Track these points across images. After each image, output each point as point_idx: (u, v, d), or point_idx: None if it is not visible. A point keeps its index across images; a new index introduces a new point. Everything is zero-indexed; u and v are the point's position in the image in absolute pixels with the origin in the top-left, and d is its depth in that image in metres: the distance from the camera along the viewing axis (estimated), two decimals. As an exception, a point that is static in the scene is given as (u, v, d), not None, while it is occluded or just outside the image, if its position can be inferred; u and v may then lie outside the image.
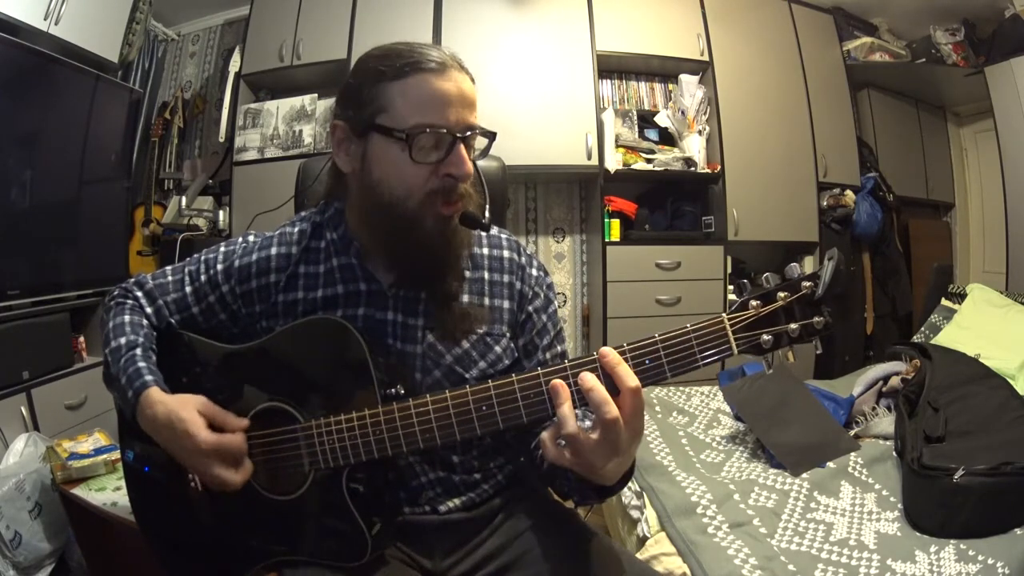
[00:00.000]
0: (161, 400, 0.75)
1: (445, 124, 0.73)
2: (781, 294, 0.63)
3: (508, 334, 0.86)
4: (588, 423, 0.64)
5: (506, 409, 0.67)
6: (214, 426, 0.74)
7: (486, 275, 0.87)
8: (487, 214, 0.80)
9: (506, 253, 0.89)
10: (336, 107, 0.81)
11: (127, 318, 0.84)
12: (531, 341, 0.88)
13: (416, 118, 0.73)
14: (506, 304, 0.87)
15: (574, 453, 0.63)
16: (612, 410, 0.60)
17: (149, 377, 0.77)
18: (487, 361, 0.84)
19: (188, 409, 0.74)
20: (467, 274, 0.85)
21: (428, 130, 0.72)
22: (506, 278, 0.88)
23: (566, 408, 0.62)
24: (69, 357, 2.19)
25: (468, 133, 0.75)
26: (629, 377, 0.61)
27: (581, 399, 0.63)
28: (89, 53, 2.27)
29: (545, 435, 0.65)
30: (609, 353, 0.63)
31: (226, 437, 0.73)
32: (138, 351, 0.80)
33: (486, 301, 0.85)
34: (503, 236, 0.92)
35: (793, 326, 0.63)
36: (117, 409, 0.86)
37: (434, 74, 0.73)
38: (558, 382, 0.63)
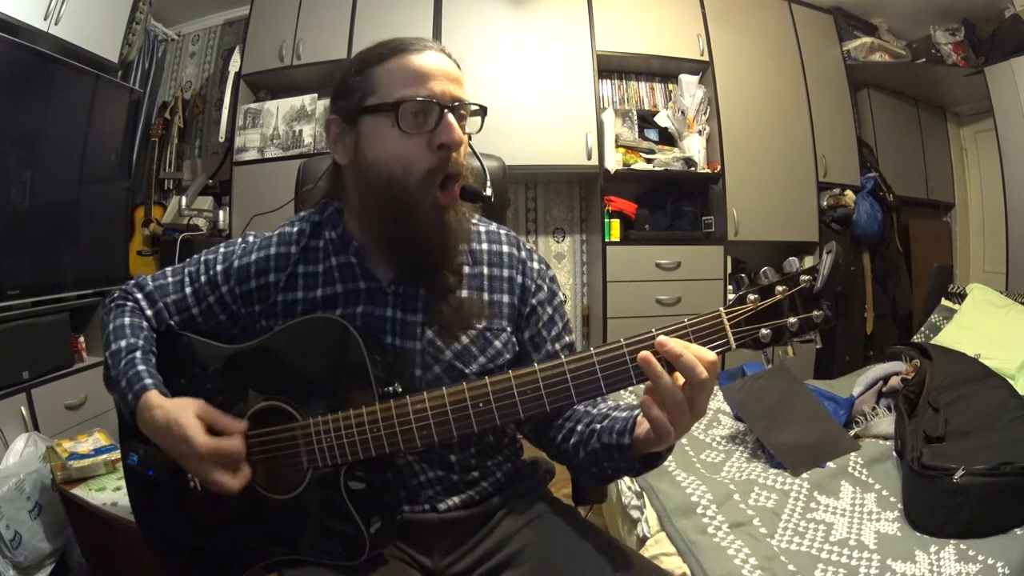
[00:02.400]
0: (160, 404, 0.75)
1: (431, 95, 0.75)
2: (779, 288, 0.63)
3: (509, 328, 0.86)
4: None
5: (503, 405, 0.68)
6: (213, 430, 0.74)
7: (485, 270, 0.87)
8: (488, 189, 0.81)
9: (505, 248, 0.89)
10: (331, 104, 0.83)
11: (127, 320, 0.84)
12: (538, 333, 0.88)
13: (400, 92, 0.75)
14: (506, 298, 0.87)
15: (675, 417, 0.64)
16: (703, 370, 0.61)
17: (148, 380, 0.77)
18: (487, 356, 0.84)
19: (186, 413, 0.74)
20: (466, 269, 0.85)
21: (410, 98, 0.74)
22: (506, 272, 0.88)
23: (667, 377, 0.63)
24: (69, 357, 2.19)
25: (455, 104, 0.76)
26: (705, 352, 0.62)
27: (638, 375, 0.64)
28: (89, 53, 2.27)
29: (647, 398, 0.65)
30: (667, 341, 0.63)
31: (223, 442, 0.73)
32: (138, 354, 0.80)
33: (485, 296, 0.85)
34: (502, 232, 0.92)
35: (792, 320, 0.63)
36: (118, 411, 0.86)
37: (415, 53, 0.76)
38: (646, 353, 0.63)
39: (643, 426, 0.69)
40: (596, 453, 0.77)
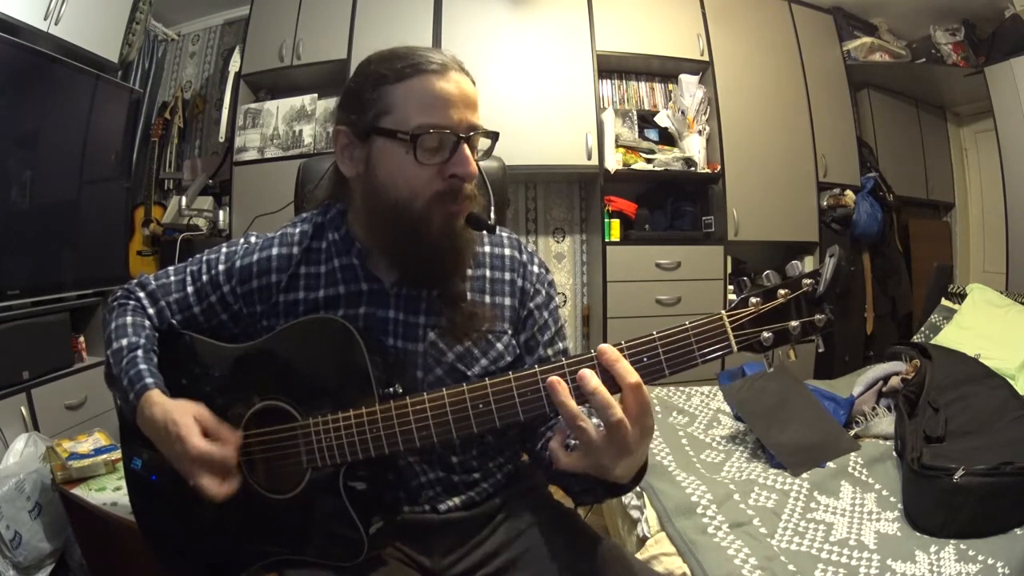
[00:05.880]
0: (160, 402, 0.75)
1: (448, 124, 0.73)
2: (782, 291, 0.63)
3: (510, 331, 0.87)
4: (595, 420, 0.63)
5: (503, 407, 0.67)
6: (208, 435, 0.74)
7: (487, 272, 0.87)
8: (492, 215, 0.80)
9: (507, 251, 0.90)
10: (337, 112, 0.81)
11: (129, 319, 0.84)
12: (532, 337, 0.88)
13: (419, 119, 0.73)
14: (507, 301, 0.87)
15: (585, 455, 0.61)
16: (616, 412, 0.59)
17: (150, 380, 0.77)
18: (489, 358, 0.84)
19: (184, 414, 0.74)
20: (468, 272, 0.85)
21: (432, 131, 0.73)
22: (507, 275, 0.88)
23: (570, 403, 0.61)
24: (69, 357, 2.19)
25: (471, 133, 0.76)
26: (629, 373, 0.60)
27: (581, 397, 0.62)
28: (89, 53, 2.27)
29: (554, 443, 0.63)
30: (608, 350, 0.62)
31: (215, 448, 0.73)
32: (139, 352, 0.80)
33: (487, 299, 0.86)
34: (504, 234, 0.92)
35: (794, 323, 0.62)
36: (118, 412, 0.86)
37: (436, 75, 0.74)
38: (554, 379, 0.62)
39: None
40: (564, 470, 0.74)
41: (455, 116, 0.74)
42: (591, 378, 0.60)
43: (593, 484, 0.70)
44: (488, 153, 0.82)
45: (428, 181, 0.74)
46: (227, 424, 0.76)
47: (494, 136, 0.80)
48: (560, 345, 0.91)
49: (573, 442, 0.62)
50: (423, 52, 0.76)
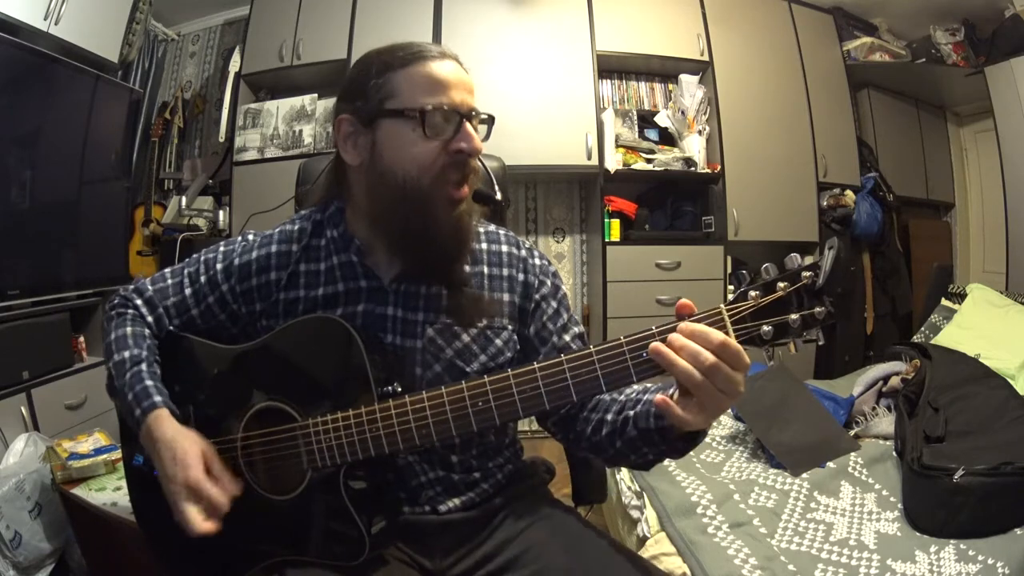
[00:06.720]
0: (170, 426, 0.75)
1: (451, 103, 0.76)
2: (781, 284, 0.62)
3: (510, 327, 0.87)
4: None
5: (502, 404, 0.67)
6: (210, 474, 0.73)
7: (485, 269, 0.87)
8: (497, 192, 0.81)
9: (504, 248, 0.90)
10: (340, 103, 0.82)
11: (129, 330, 0.83)
12: (543, 327, 0.88)
13: (424, 99, 0.76)
14: (506, 297, 0.87)
15: (701, 409, 0.62)
16: (708, 356, 0.59)
17: (158, 398, 0.77)
18: (488, 355, 0.84)
19: (192, 443, 0.74)
20: (467, 268, 0.85)
21: (435, 107, 0.75)
22: (505, 272, 0.88)
23: (682, 362, 0.61)
24: (69, 357, 2.19)
25: (473, 113, 0.78)
26: (714, 334, 0.60)
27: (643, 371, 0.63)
28: (89, 53, 2.27)
29: (659, 399, 0.64)
30: (685, 305, 0.63)
31: (213, 489, 0.71)
32: (143, 366, 0.80)
33: (486, 295, 0.86)
34: (501, 232, 0.92)
35: (794, 316, 0.62)
36: (119, 413, 0.86)
37: (436, 61, 0.77)
38: (656, 344, 0.62)
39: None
40: (634, 441, 0.75)
41: (457, 97, 0.77)
42: (675, 337, 0.61)
43: (674, 441, 0.71)
44: (486, 137, 0.83)
45: (435, 156, 0.76)
46: (231, 473, 0.76)
47: (490, 121, 0.83)
48: (576, 330, 0.90)
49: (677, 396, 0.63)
50: (422, 43, 0.79)
